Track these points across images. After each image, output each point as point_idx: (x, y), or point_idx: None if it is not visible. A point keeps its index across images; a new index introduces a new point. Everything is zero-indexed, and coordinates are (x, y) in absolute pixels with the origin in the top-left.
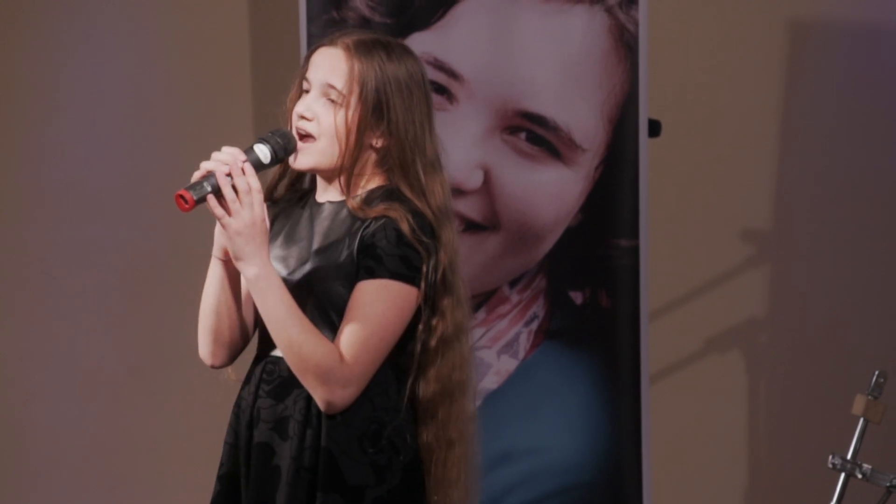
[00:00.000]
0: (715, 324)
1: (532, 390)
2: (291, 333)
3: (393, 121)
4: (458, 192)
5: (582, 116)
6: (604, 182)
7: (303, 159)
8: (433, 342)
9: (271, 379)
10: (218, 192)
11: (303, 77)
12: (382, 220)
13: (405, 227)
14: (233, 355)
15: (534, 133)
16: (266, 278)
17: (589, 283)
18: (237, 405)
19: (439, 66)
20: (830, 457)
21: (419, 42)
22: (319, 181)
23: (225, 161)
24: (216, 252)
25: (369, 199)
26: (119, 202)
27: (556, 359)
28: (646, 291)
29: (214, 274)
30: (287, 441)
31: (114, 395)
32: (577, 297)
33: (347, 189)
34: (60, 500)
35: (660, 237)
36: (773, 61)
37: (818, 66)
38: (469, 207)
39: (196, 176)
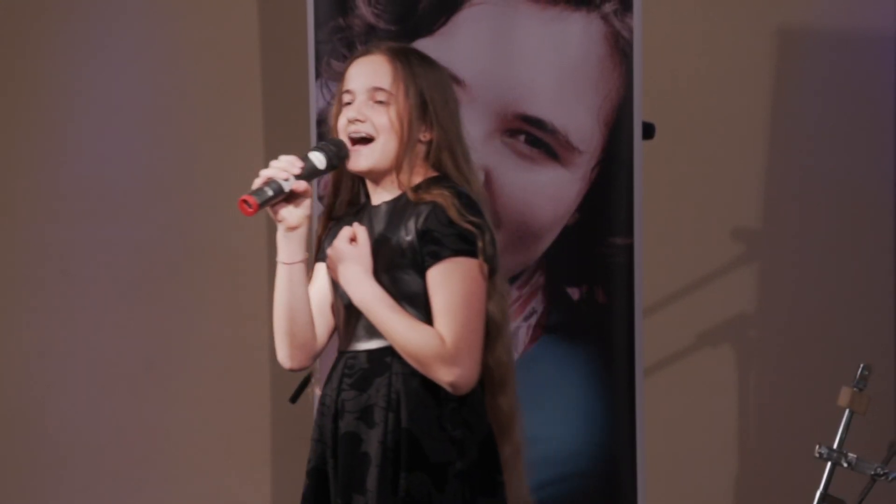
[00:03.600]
0: (706, 319)
1: (530, 383)
2: (395, 330)
3: (436, 115)
4: None
5: (579, 120)
6: (600, 183)
7: (362, 161)
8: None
9: (352, 372)
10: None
11: (342, 92)
12: (431, 206)
13: (453, 213)
14: (311, 355)
15: (533, 136)
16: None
17: (585, 280)
18: (321, 402)
19: None
20: (817, 446)
21: (422, 48)
22: (370, 186)
23: (283, 168)
24: (281, 257)
25: (422, 187)
26: (136, 203)
27: (553, 352)
28: (640, 288)
29: (281, 278)
30: (374, 427)
31: (130, 390)
32: (574, 293)
33: (408, 181)
34: (79, 489)
35: (653, 236)
36: (761, 67)
37: (805, 71)
38: None
39: (257, 182)
